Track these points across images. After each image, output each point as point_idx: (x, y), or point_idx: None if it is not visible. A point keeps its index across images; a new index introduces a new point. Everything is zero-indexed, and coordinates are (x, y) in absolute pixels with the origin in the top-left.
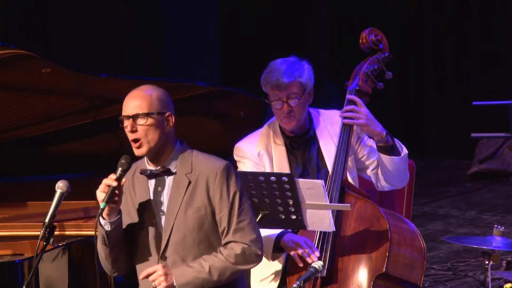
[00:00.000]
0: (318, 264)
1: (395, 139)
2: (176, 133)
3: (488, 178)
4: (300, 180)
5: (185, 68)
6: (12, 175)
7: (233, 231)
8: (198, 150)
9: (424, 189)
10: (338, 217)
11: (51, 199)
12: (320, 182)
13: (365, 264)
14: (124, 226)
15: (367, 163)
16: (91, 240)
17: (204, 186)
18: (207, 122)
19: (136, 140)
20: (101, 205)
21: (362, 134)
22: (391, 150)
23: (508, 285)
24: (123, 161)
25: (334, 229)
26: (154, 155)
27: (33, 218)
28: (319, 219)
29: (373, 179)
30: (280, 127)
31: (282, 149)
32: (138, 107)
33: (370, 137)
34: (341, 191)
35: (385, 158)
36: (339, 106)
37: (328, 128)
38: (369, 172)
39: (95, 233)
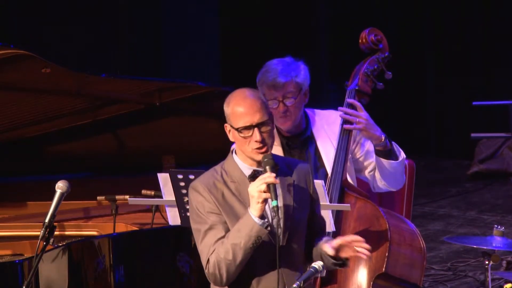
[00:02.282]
0: (318, 264)
1: (393, 143)
2: (177, 134)
3: (488, 178)
4: None
5: (185, 68)
6: (12, 175)
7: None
8: (198, 150)
9: (424, 189)
10: (338, 217)
11: (51, 199)
12: (320, 182)
13: (365, 264)
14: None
15: (364, 164)
16: (91, 240)
17: (305, 184)
18: (207, 122)
19: (263, 147)
20: (273, 203)
21: (360, 137)
22: (389, 154)
23: (508, 285)
24: (266, 159)
25: (334, 229)
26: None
27: (33, 218)
28: None
29: (370, 181)
30: (276, 127)
31: (279, 150)
32: (259, 113)
33: (369, 140)
34: (341, 191)
35: (383, 162)
36: (339, 105)
37: (326, 128)
38: (366, 173)
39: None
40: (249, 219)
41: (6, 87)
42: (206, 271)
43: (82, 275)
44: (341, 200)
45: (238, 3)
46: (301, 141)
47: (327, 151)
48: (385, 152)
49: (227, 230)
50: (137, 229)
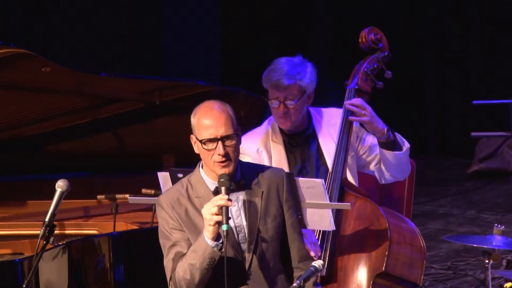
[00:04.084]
0: (318, 263)
1: (396, 134)
2: (177, 133)
3: (488, 177)
4: (300, 179)
5: (185, 67)
6: (12, 174)
7: (303, 257)
8: None
9: (424, 188)
10: (338, 216)
11: (51, 198)
12: (320, 181)
13: (364, 263)
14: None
15: (368, 159)
16: (91, 239)
17: (275, 193)
18: None
19: (226, 160)
20: (224, 227)
21: (362, 133)
22: (393, 146)
23: (508, 284)
24: (223, 179)
25: (334, 228)
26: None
27: (33, 217)
28: (319, 218)
29: (376, 174)
30: (278, 125)
31: (281, 147)
32: (224, 126)
33: (372, 134)
34: (340, 190)
35: (388, 153)
36: (338, 105)
37: (327, 125)
38: (371, 167)
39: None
40: (203, 240)
41: (6, 86)
42: (169, 287)
43: (82, 274)
44: (341, 199)
45: (238, 3)
46: (302, 139)
47: (329, 149)
48: (389, 144)
49: (190, 247)
50: (137, 228)
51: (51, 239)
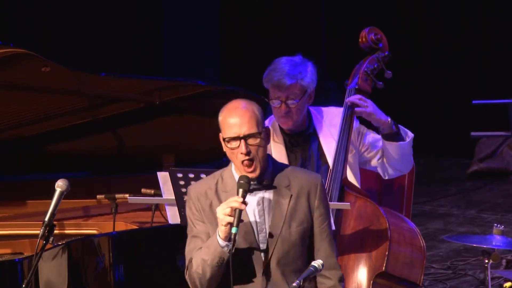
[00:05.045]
0: (318, 263)
1: (399, 125)
2: (177, 132)
3: (488, 177)
4: None
5: (185, 67)
6: (12, 174)
7: (336, 255)
8: (198, 149)
9: (424, 188)
10: (338, 216)
11: (51, 198)
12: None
13: (365, 263)
14: None
15: (370, 155)
16: (91, 239)
17: (305, 199)
18: (207, 121)
19: (249, 161)
20: (233, 229)
21: (363, 130)
22: (396, 137)
23: (508, 283)
24: (242, 181)
25: (334, 228)
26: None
27: (33, 217)
28: None
29: (380, 169)
30: (279, 125)
31: (281, 147)
32: (248, 125)
33: (375, 128)
34: (340, 190)
35: (391, 145)
36: (338, 105)
37: (328, 124)
38: (374, 163)
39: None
40: (215, 238)
41: (6, 86)
42: (186, 276)
43: (82, 274)
44: (341, 199)
45: (239, 2)
46: (303, 139)
47: (330, 148)
48: (392, 135)
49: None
50: (137, 228)
51: (51, 239)
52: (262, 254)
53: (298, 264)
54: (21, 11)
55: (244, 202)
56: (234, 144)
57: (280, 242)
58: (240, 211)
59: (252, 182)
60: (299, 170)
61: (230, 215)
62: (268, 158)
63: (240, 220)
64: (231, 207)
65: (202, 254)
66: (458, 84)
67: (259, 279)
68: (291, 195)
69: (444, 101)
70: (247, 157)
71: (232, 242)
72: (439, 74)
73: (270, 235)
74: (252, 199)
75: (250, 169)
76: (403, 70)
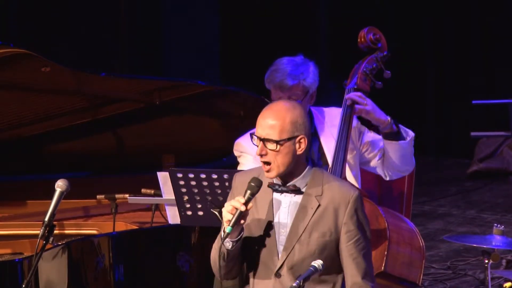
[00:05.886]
0: (317, 263)
1: (399, 125)
2: (177, 132)
3: (488, 177)
4: None
5: (185, 67)
6: (11, 174)
7: (362, 275)
8: (198, 149)
9: (424, 188)
10: None
11: (51, 198)
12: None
13: None
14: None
15: (370, 155)
16: (91, 239)
17: (333, 212)
18: (207, 121)
19: (266, 163)
20: (227, 229)
21: (362, 130)
22: (396, 136)
23: (508, 284)
24: (252, 184)
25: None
26: (284, 175)
27: (33, 217)
28: None
29: (381, 170)
30: None
31: None
32: (270, 130)
33: (375, 127)
34: None
35: (392, 144)
36: (338, 105)
37: (329, 125)
38: (374, 163)
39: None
40: (221, 232)
41: (6, 86)
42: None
43: (81, 274)
44: None
45: (239, 2)
46: None
47: (331, 148)
48: (392, 135)
49: None
50: (137, 228)
51: (51, 239)
52: (279, 255)
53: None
54: (21, 11)
55: (246, 204)
56: (256, 142)
57: (298, 248)
58: (241, 212)
59: (275, 182)
60: (337, 181)
61: (230, 213)
62: (302, 163)
63: (237, 221)
64: (233, 206)
65: (215, 244)
66: (458, 84)
67: (271, 280)
68: (319, 205)
69: (444, 101)
70: (263, 159)
71: (222, 239)
72: (439, 74)
73: (289, 239)
74: (281, 200)
75: (266, 169)
76: (403, 70)
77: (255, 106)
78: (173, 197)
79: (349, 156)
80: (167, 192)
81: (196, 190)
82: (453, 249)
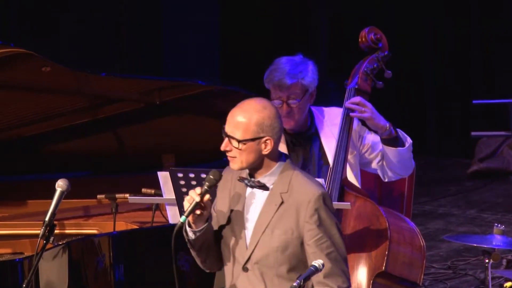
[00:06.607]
0: (318, 262)
1: (398, 130)
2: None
3: (488, 177)
4: None
5: (185, 66)
6: (12, 173)
7: (324, 274)
8: (198, 148)
9: (424, 188)
10: (338, 215)
11: (51, 198)
12: (320, 180)
13: (364, 263)
14: (215, 224)
15: (371, 157)
16: (91, 239)
17: (295, 210)
18: (206, 121)
19: (230, 156)
20: (181, 218)
21: (363, 131)
22: (395, 142)
23: (508, 283)
24: (211, 176)
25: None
26: (249, 170)
27: (33, 216)
28: None
29: (380, 172)
30: None
31: (283, 146)
32: (235, 128)
33: (374, 131)
34: (340, 189)
35: (390, 150)
36: (338, 105)
37: (330, 125)
38: (374, 165)
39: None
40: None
41: (6, 85)
42: None
43: (82, 273)
44: (340, 198)
45: (238, 2)
46: (305, 139)
47: (331, 148)
48: (391, 140)
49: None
50: (137, 227)
51: (51, 239)
52: (246, 249)
53: (282, 270)
54: (21, 11)
55: (202, 196)
56: (223, 135)
57: (261, 244)
58: (196, 203)
59: (243, 177)
60: (304, 179)
61: (188, 202)
62: (271, 160)
63: (191, 212)
64: (191, 196)
65: None
66: (458, 84)
67: (239, 272)
68: (282, 202)
69: (444, 101)
70: (228, 154)
71: (176, 228)
72: (439, 74)
73: (254, 234)
74: (254, 195)
75: (230, 160)
76: (403, 70)
77: None
78: (174, 197)
79: (349, 156)
80: (168, 191)
81: None
82: (453, 249)
